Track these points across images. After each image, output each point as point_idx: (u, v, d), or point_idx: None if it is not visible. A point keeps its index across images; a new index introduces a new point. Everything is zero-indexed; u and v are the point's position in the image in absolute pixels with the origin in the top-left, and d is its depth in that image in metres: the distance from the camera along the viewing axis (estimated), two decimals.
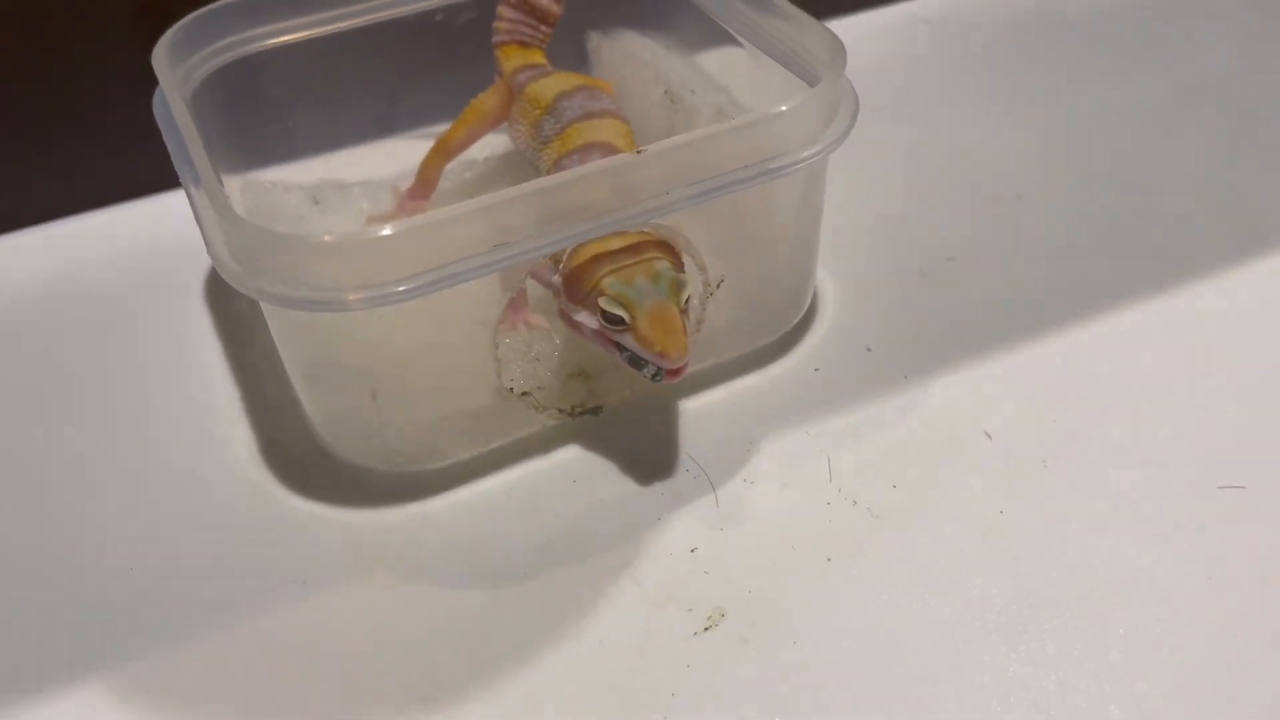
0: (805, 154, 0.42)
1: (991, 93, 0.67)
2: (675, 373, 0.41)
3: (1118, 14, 0.74)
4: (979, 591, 0.41)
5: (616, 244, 0.43)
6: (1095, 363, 0.50)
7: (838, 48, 0.44)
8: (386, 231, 0.37)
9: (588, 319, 0.43)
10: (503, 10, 0.53)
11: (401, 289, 0.38)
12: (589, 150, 0.47)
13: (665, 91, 0.55)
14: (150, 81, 0.46)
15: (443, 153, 0.55)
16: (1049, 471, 0.45)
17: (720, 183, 0.41)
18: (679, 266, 0.43)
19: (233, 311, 0.55)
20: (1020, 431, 0.47)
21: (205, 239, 0.41)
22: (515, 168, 0.58)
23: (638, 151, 0.40)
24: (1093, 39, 0.72)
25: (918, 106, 0.66)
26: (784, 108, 0.42)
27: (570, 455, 0.47)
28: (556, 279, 0.45)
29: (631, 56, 0.57)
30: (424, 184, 0.56)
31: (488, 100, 0.54)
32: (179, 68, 0.49)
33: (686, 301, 0.42)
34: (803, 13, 0.48)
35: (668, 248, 0.43)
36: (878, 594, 0.41)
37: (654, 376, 0.42)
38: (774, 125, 0.42)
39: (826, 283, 0.54)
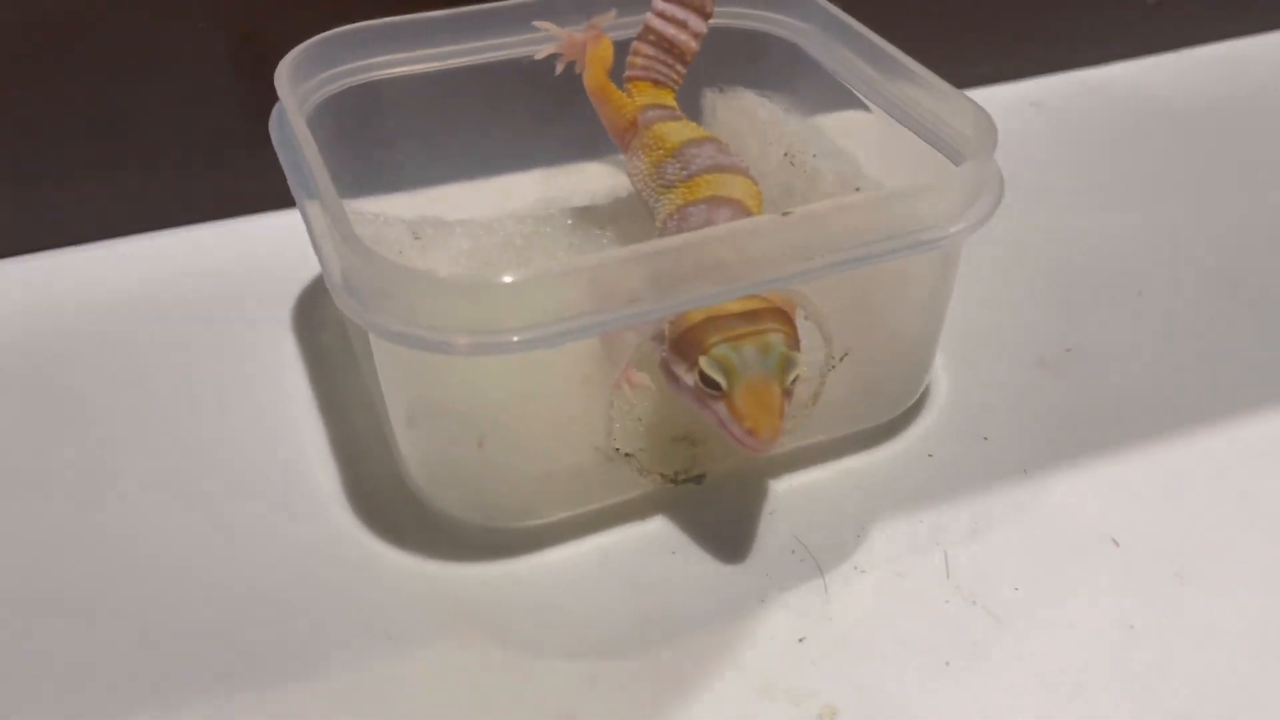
0: (952, 230, 0.41)
1: (1108, 183, 0.65)
2: (757, 449, 0.39)
3: (1247, 110, 0.72)
4: (1106, 711, 0.38)
5: (735, 307, 0.41)
6: (1229, 473, 0.47)
7: (988, 125, 0.43)
8: (528, 277, 0.36)
9: (686, 376, 0.41)
10: (639, 46, 0.52)
11: (529, 337, 0.36)
12: (718, 204, 0.46)
13: (785, 154, 0.53)
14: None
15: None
16: (1183, 585, 0.42)
17: (866, 252, 0.39)
18: (793, 341, 0.41)
19: (320, 342, 0.53)
20: (1149, 540, 0.44)
21: (322, 264, 0.40)
22: (584, 222, 0.56)
23: (784, 214, 0.38)
24: (1219, 134, 0.70)
25: (1031, 192, 0.64)
26: (935, 182, 0.40)
27: (668, 524, 0.44)
28: (664, 329, 0.43)
29: (749, 115, 0.56)
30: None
31: (630, 105, 0.52)
32: (299, 89, 0.47)
33: (793, 382, 0.40)
34: (946, 83, 0.46)
35: (786, 319, 0.41)
36: (999, 704, 0.38)
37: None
38: (922, 199, 0.40)
39: (940, 365, 0.52)
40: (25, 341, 0.53)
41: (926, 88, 0.46)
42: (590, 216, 0.57)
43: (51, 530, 0.44)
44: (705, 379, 0.39)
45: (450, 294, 0.37)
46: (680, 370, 0.40)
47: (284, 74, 0.47)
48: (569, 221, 0.57)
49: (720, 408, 0.39)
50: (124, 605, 0.41)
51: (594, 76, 0.52)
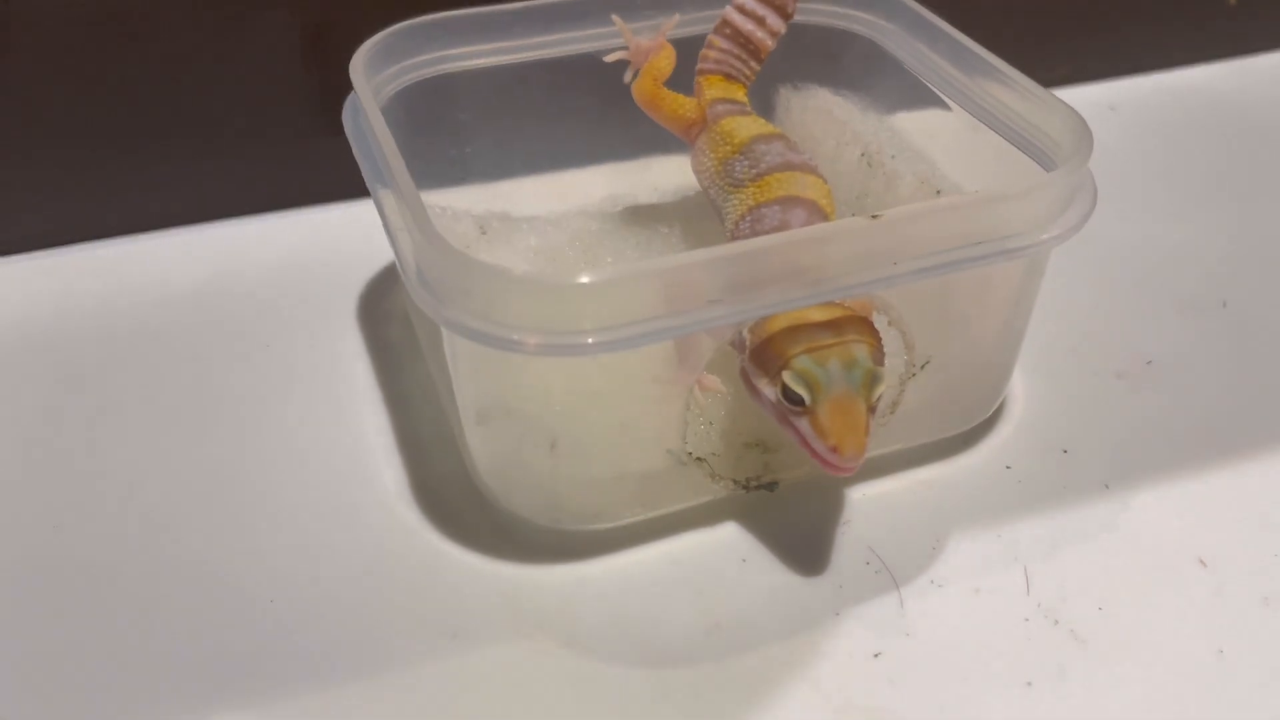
0: (1043, 237, 0.39)
1: (1188, 190, 0.63)
2: (842, 469, 0.38)
3: None
4: None
5: (817, 315, 0.39)
6: None
7: (1084, 132, 0.41)
8: (606, 278, 0.35)
9: (767, 388, 0.40)
10: (714, 40, 0.51)
11: (605, 339, 0.36)
12: (791, 204, 0.44)
13: (862, 154, 0.52)
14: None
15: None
16: (1273, 610, 0.41)
17: (955, 258, 0.38)
18: (878, 354, 0.40)
19: (385, 336, 0.53)
20: (1238, 561, 0.42)
21: (398, 257, 0.39)
22: (652, 219, 0.55)
23: (873, 217, 0.37)
24: None
25: (1110, 198, 0.61)
26: (1028, 188, 0.38)
27: (738, 532, 0.44)
28: (745, 336, 0.42)
29: (825, 114, 0.55)
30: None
31: (689, 104, 0.51)
32: (373, 80, 0.47)
33: (877, 399, 0.39)
34: (1036, 85, 0.45)
35: (870, 328, 0.40)
36: None
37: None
38: (1015, 205, 0.39)
39: (1017, 375, 0.50)
40: (96, 328, 0.53)
41: (1014, 88, 0.45)
42: (658, 214, 0.56)
43: (117, 519, 0.44)
44: (788, 393, 0.38)
45: (527, 292, 0.36)
46: (761, 383, 0.39)
47: (359, 65, 0.46)
48: (636, 218, 0.56)
49: (803, 423, 0.38)
50: (187, 601, 0.41)
51: (641, 86, 0.51)
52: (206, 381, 0.50)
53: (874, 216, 0.37)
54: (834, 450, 0.37)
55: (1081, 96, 0.71)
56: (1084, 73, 0.72)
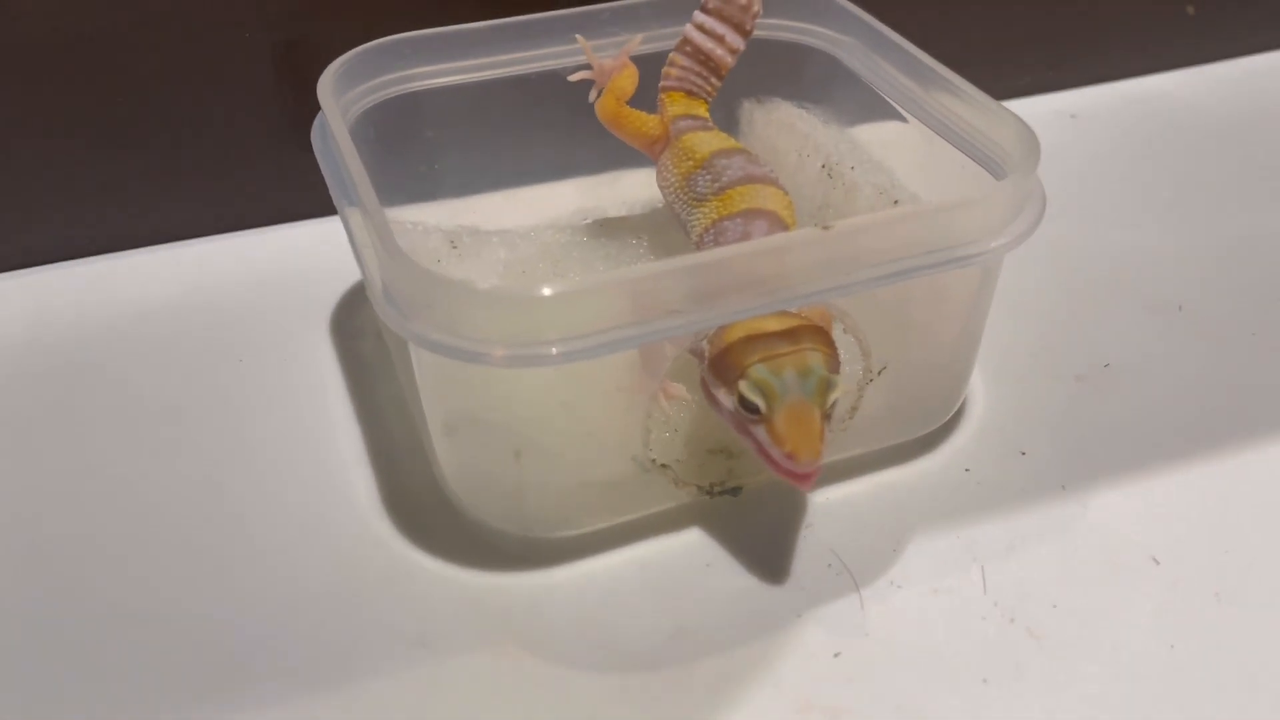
0: (993, 245, 0.40)
1: (1146, 196, 0.65)
2: (801, 478, 0.39)
3: None
4: None
5: (773, 325, 0.40)
6: (1270, 491, 0.46)
7: (1031, 140, 0.42)
8: (567, 289, 0.36)
9: (725, 398, 0.41)
10: (675, 58, 0.52)
11: (568, 349, 0.36)
12: (753, 216, 0.46)
13: (823, 165, 0.53)
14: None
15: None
16: (1223, 606, 0.42)
17: (905, 267, 0.39)
18: (833, 362, 0.41)
19: (358, 351, 0.53)
20: (1190, 559, 0.44)
21: (364, 274, 0.40)
22: (621, 231, 0.56)
23: (825, 227, 0.38)
24: (1259, 146, 0.69)
25: (1068, 205, 0.63)
26: (977, 197, 0.40)
27: (704, 537, 0.44)
28: (704, 346, 0.43)
29: (787, 127, 0.56)
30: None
31: (651, 121, 0.52)
32: (341, 99, 0.48)
33: (832, 406, 0.40)
34: (987, 96, 0.46)
35: (825, 337, 0.41)
36: None
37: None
38: (965, 214, 0.40)
39: (977, 379, 0.51)
40: (66, 347, 0.53)
41: (967, 100, 0.46)
42: (626, 226, 0.57)
43: (89, 532, 0.44)
44: (744, 402, 0.39)
45: (490, 305, 0.37)
46: (719, 392, 0.40)
47: (327, 84, 0.47)
48: (605, 231, 0.57)
49: (760, 431, 0.39)
50: (157, 610, 0.41)
51: (605, 106, 0.52)
52: (179, 397, 0.51)
53: (826, 227, 0.38)
54: (789, 457, 0.38)
55: (1043, 105, 0.73)
56: (1045, 82, 0.74)
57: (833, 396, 0.39)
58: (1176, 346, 0.54)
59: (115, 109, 0.56)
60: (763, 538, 0.44)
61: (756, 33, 0.53)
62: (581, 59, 0.53)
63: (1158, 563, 0.43)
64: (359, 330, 0.54)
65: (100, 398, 0.51)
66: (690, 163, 0.50)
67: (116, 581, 0.42)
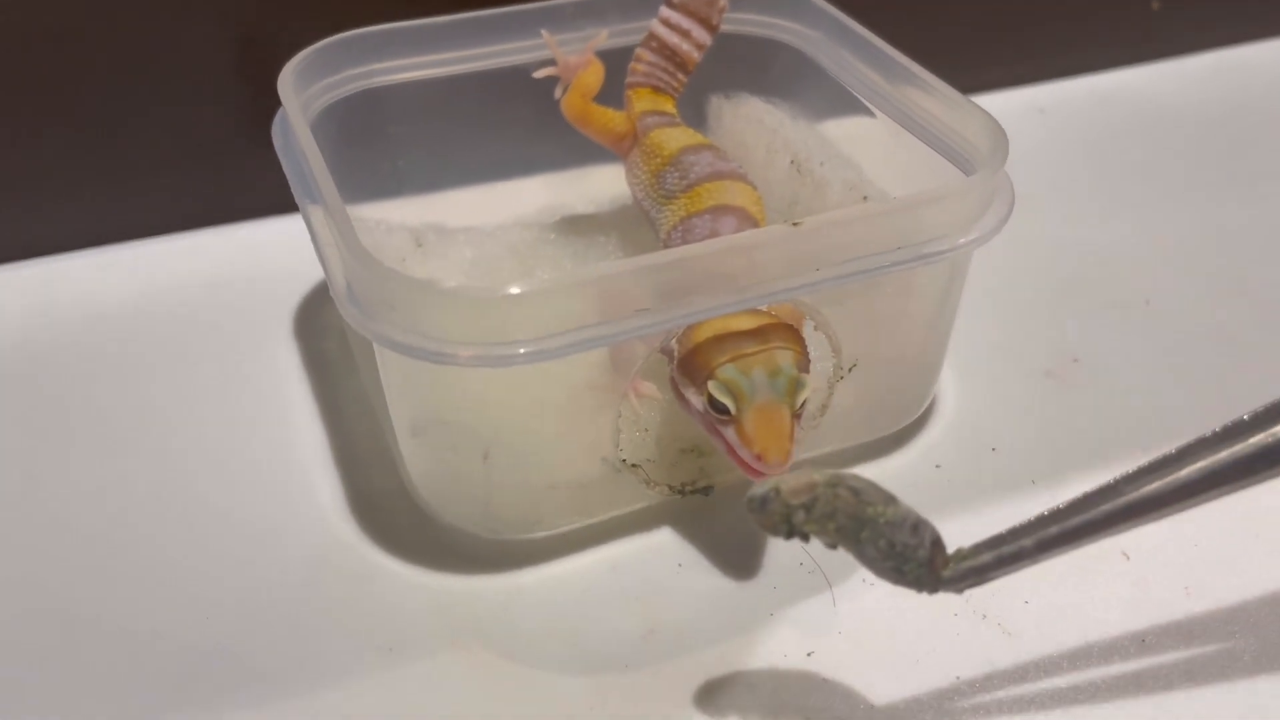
0: (962, 241, 0.40)
1: (1114, 190, 0.65)
2: (767, 476, 0.38)
3: (1253, 117, 0.72)
4: None
5: (743, 324, 0.40)
6: None
7: (999, 135, 0.42)
8: (534, 288, 0.35)
9: (695, 398, 0.40)
10: (642, 54, 0.52)
11: (535, 349, 0.36)
12: (722, 213, 0.45)
13: (791, 161, 0.53)
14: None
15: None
16: (1193, 601, 0.42)
17: (873, 264, 0.39)
18: (802, 361, 0.40)
19: (321, 351, 0.53)
20: (1160, 555, 0.44)
21: (326, 273, 0.39)
22: (589, 228, 0.56)
23: (794, 224, 0.38)
24: (1226, 141, 0.69)
25: (1036, 199, 0.64)
26: (945, 193, 0.39)
27: (675, 537, 0.44)
28: (674, 345, 0.42)
29: (756, 122, 0.55)
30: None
31: (618, 118, 0.51)
32: (302, 95, 0.47)
33: (802, 405, 0.39)
34: (955, 91, 0.46)
35: (794, 335, 0.41)
36: (1011, 719, 0.38)
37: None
38: (933, 210, 0.39)
39: (946, 375, 0.51)
40: (25, 348, 0.52)
41: (935, 95, 0.46)
42: (594, 223, 0.57)
43: (48, 538, 0.43)
44: (713, 402, 0.38)
45: (456, 304, 0.36)
46: (689, 392, 0.40)
47: (287, 80, 0.46)
48: (573, 228, 0.56)
49: (729, 432, 0.38)
50: (121, 615, 0.41)
51: (570, 103, 0.51)
52: (138, 398, 0.50)
53: (795, 224, 0.37)
54: (759, 458, 0.37)
55: (1011, 99, 0.73)
56: (1013, 76, 0.74)
57: (802, 395, 0.39)
58: (1144, 341, 0.54)
59: (71, 105, 0.55)
60: (735, 537, 0.44)
61: (724, 27, 0.52)
62: (547, 54, 0.53)
63: (1128, 558, 0.44)
64: (322, 330, 0.54)
65: (53, 401, 0.50)
66: (658, 159, 0.49)
67: (72, 589, 0.42)
